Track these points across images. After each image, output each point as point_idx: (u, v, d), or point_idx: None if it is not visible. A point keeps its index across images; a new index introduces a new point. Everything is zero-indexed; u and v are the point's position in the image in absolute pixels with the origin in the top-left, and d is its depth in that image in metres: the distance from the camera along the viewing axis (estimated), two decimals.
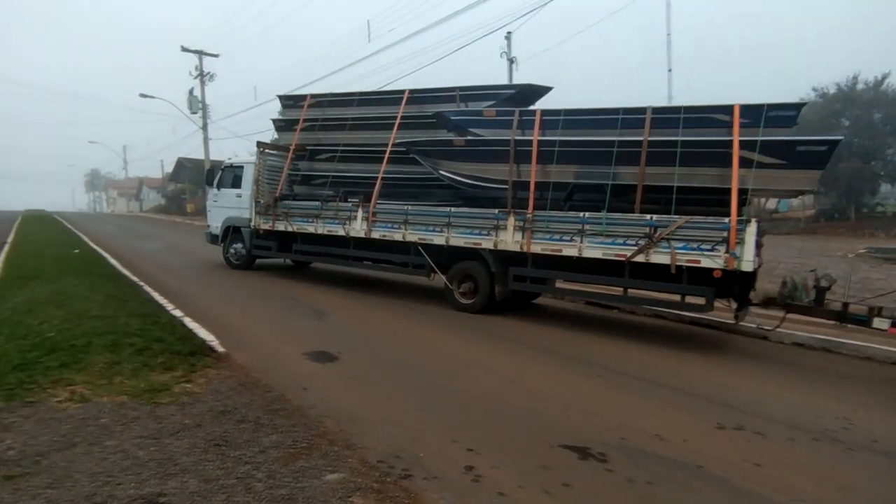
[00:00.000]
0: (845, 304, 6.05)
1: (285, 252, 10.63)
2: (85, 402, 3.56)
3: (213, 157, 30.26)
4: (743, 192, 6.09)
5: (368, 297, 8.71)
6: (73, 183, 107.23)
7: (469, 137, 8.01)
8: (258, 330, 6.15)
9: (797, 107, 6.64)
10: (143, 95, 32.24)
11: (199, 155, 33.74)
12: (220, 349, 4.95)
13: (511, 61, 13.73)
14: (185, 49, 31.05)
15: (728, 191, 5.94)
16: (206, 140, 31.82)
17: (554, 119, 7.40)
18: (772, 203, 29.48)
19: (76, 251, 12.60)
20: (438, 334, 6.57)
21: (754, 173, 5.95)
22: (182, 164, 47.24)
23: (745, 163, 5.96)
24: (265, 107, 32.99)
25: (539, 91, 8.76)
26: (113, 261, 11.25)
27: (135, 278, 9.04)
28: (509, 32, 13.37)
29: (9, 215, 37.09)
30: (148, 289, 8.06)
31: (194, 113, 31.33)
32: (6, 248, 13.19)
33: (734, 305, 6.41)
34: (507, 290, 7.61)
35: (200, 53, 31.53)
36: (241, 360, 4.77)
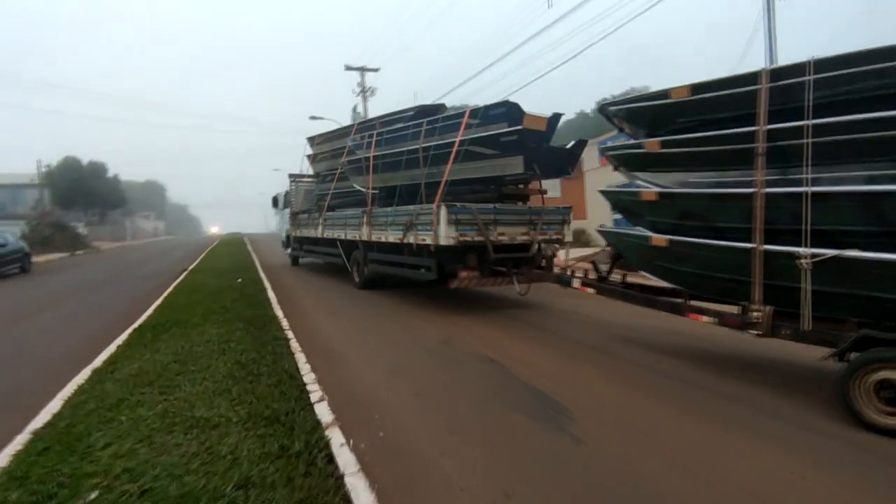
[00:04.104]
0: (563, 269, 7.10)
1: (304, 252, 14.84)
2: None
3: None
4: (474, 182, 8.12)
5: (595, 357, 5.33)
6: (264, 207, 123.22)
7: (350, 158, 10.55)
8: (489, 483, 3.10)
9: (506, 104, 7.48)
10: (312, 118, 33.37)
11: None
12: None
13: None
14: (348, 67, 31.50)
15: (498, 178, 7.99)
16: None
17: (380, 138, 9.51)
18: None
19: (239, 280, 11.45)
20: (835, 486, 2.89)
21: (482, 165, 7.61)
22: None
23: (475, 156, 7.53)
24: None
25: (431, 109, 9.73)
26: (271, 294, 9.60)
27: (285, 322, 6.93)
28: None
29: (209, 241, 41.88)
30: (295, 343, 5.75)
31: None
32: (181, 277, 12.71)
33: (477, 274, 7.76)
34: (371, 272, 9.92)
35: (362, 70, 31.64)
36: None
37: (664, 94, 4.83)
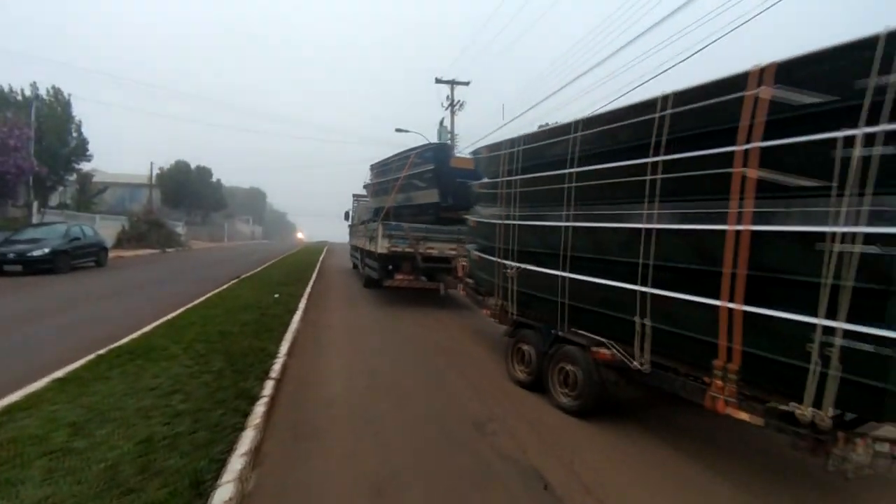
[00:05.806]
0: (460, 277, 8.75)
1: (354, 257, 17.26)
2: None
3: None
4: (416, 207, 11.05)
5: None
6: None
7: (366, 184, 15.90)
8: None
9: (433, 148, 10.74)
10: (398, 130, 32.63)
11: None
12: None
13: None
14: (438, 80, 30.52)
15: (436, 205, 10.30)
16: None
17: (378, 170, 13.89)
18: None
19: (276, 296, 10.15)
20: None
21: (421, 194, 10.65)
22: None
23: (415, 187, 10.81)
24: (512, 124, 30.01)
25: (440, 146, 12.09)
26: (297, 316, 8.08)
27: (279, 363, 5.24)
28: None
29: (292, 247, 42.63)
30: (260, 409, 3.99)
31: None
32: (225, 285, 11.76)
33: (411, 277, 10.23)
34: (366, 273, 12.23)
35: (452, 83, 30.53)
36: None
37: (479, 151, 6.86)
